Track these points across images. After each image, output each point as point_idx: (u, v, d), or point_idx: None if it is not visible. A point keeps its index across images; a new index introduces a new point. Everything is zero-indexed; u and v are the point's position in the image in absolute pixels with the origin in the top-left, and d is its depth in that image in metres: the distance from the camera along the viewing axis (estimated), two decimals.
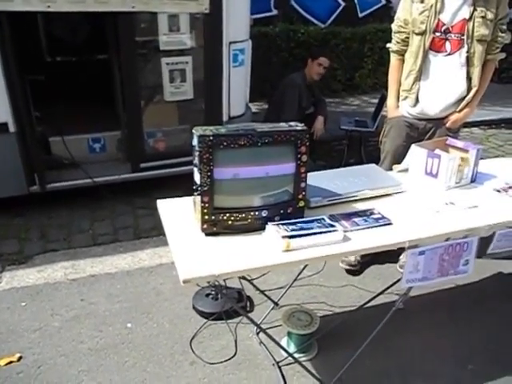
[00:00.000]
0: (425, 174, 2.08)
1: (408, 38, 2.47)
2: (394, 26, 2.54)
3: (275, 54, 6.54)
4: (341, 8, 7.62)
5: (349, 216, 1.76)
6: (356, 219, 1.74)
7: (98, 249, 3.03)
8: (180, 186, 3.88)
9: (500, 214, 1.81)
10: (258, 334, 2.25)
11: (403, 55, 2.53)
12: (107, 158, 3.74)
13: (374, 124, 4.15)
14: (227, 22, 3.35)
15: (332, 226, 1.62)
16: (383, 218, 1.75)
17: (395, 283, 2.20)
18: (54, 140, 3.55)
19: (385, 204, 1.88)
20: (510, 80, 8.03)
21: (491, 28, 2.31)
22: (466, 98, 2.46)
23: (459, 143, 2.20)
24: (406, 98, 2.53)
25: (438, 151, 2.05)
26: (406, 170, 2.21)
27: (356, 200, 1.90)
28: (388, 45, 2.61)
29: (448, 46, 2.36)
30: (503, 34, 2.37)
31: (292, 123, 1.66)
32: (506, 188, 2.04)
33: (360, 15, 7.77)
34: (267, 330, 1.97)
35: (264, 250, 1.53)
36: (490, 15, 2.28)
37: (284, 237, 1.54)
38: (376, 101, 4.68)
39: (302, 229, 1.59)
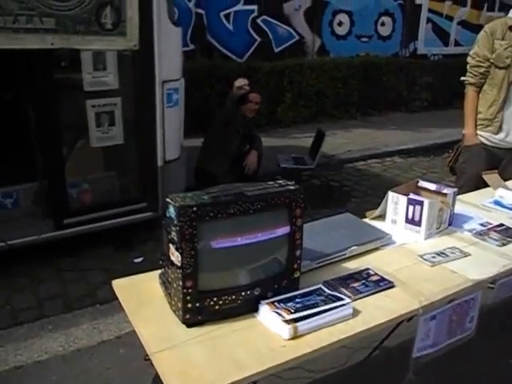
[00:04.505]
0: (405, 221, 1.94)
1: (487, 71, 2.72)
2: (471, 61, 2.78)
3: (197, 90, 6.33)
4: (257, 43, 7.68)
5: (345, 281, 1.54)
6: (355, 285, 1.52)
7: (21, 329, 2.51)
8: (111, 240, 3.47)
9: (494, 262, 1.70)
10: None
11: (480, 87, 2.78)
12: (22, 214, 3.20)
13: (313, 161, 4.07)
14: (159, 59, 3.08)
15: (337, 297, 1.39)
16: (383, 279, 1.55)
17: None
18: None
19: (376, 260, 1.70)
20: (416, 109, 8.58)
21: None
22: None
23: (432, 185, 2.10)
24: (488, 126, 2.76)
25: (418, 197, 1.93)
26: (380, 217, 2.07)
27: (344, 259, 1.70)
28: (463, 78, 2.85)
29: None
30: None
31: (281, 182, 1.42)
32: (486, 231, 1.96)
33: (275, 50, 7.88)
34: None
35: (265, 341, 1.25)
36: None
37: (289, 321, 1.27)
38: (301, 134, 4.65)
39: (304, 306, 1.34)
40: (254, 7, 7.51)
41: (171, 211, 1.25)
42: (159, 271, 1.53)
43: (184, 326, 1.30)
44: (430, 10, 9.28)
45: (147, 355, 1.69)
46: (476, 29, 9.72)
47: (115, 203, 3.29)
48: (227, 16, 7.37)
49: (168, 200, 1.26)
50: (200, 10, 7.10)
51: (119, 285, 1.54)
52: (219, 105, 4.29)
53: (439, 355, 1.60)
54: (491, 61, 2.67)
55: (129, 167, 3.38)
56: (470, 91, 2.81)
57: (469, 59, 2.80)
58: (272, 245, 1.37)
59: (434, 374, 1.89)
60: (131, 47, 2.96)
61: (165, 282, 1.43)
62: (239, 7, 7.42)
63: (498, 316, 2.11)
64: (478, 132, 2.81)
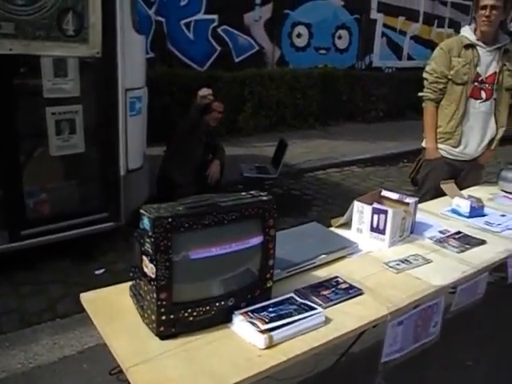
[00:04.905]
0: (370, 230, 2.00)
1: (445, 87, 2.80)
2: (429, 77, 2.86)
3: (157, 98, 6.25)
4: (217, 53, 7.70)
5: (316, 289, 1.57)
6: (325, 292, 1.56)
7: None
8: (71, 251, 3.36)
9: (455, 268, 1.79)
10: None
11: (438, 103, 2.86)
12: None
13: (276, 170, 4.12)
14: (122, 67, 3.03)
15: (309, 306, 1.41)
16: (352, 287, 1.60)
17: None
18: None
19: (344, 268, 1.75)
20: (372, 120, 8.85)
21: None
22: (497, 137, 2.89)
23: (394, 195, 2.18)
24: (449, 139, 2.86)
25: (383, 206, 1.99)
26: (345, 225, 2.12)
27: (313, 267, 1.73)
28: (422, 93, 2.92)
29: (483, 93, 2.78)
30: None
31: (254, 192, 1.44)
32: (445, 238, 2.05)
33: (236, 60, 7.93)
34: None
35: (240, 352, 1.25)
36: None
37: (264, 330, 1.28)
38: (262, 144, 4.68)
39: (278, 315, 1.35)
40: (215, 17, 7.55)
41: (145, 222, 1.23)
42: (129, 283, 1.51)
43: (157, 338, 1.28)
44: (384, 25, 9.64)
45: (112, 370, 1.66)
46: (427, 44, 10.22)
47: (75, 213, 3.20)
48: (187, 25, 7.36)
49: (142, 211, 1.25)
50: (160, 18, 7.06)
51: (88, 298, 1.49)
52: (181, 114, 4.27)
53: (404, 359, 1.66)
54: (449, 77, 2.77)
55: (90, 176, 3.30)
56: (429, 107, 2.88)
57: (426, 75, 2.87)
58: (245, 255, 1.38)
59: (398, 378, 1.94)
60: (94, 54, 2.90)
61: (136, 295, 1.41)
62: (200, 16, 7.43)
63: (457, 319, 2.20)
64: (439, 145, 2.89)
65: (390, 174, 6.19)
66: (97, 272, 3.18)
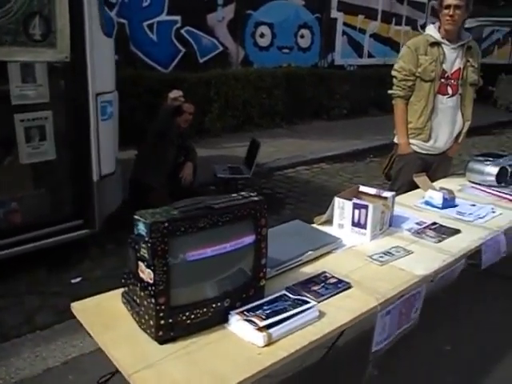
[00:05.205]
0: (352, 225, 2.05)
1: (414, 85, 2.90)
2: (398, 75, 2.94)
3: (123, 101, 6.15)
4: (181, 54, 7.65)
5: (306, 285, 1.61)
6: (315, 288, 1.60)
7: None
8: (45, 260, 3.28)
9: (435, 257, 1.86)
10: None
11: (408, 99, 2.96)
12: None
13: (249, 170, 4.15)
14: (92, 71, 2.98)
15: (303, 301, 1.45)
16: (340, 281, 1.65)
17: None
18: None
19: (330, 263, 1.80)
20: (336, 117, 9.00)
21: (477, 74, 2.95)
22: (463, 131, 3.03)
23: (372, 190, 2.24)
24: (419, 134, 2.95)
25: (363, 201, 2.05)
26: (326, 222, 2.17)
27: (301, 264, 1.77)
28: (391, 91, 3.01)
29: (449, 89, 2.89)
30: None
31: (244, 193, 1.46)
32: (422, 229, 2.14)
33: (200, 61, 7.90)
34: None
35: (240, 351, 1.27)
36: (476, 65, 2.92)
37: (261, 328, 1.31)
38: (231, 144, 4.66)
39: (274, 312, 1.38)
40: (178, 18, 7.49)
41: (141, 228, 1.23)
42: (119, 290, 1.50)
43: (156, 343, 1.29)
44: (344, 24, 9.82)
45: (100, 379, 1.65)
46: (386, 41, 10.49)
47: (49, 222, 3.12)
48: (150, 26, 7.27)
49: (137, 217, 1.25)
50: (122, 20, 6.94)
51: (79, 308, 1.48)
52: (149, 116, 4.22)
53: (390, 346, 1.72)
54: (417, 74, 2.87)
55: (63, 183, 3.22)
56: (399, 104, 2.98)
57: (395, 73, 2.96)
58: (239, 255, 1.40)
59: (388, 365, 2.00)
60: (62, 59, 2.84)
61: (130, 301, 1.41)
62: (162, 17, 7.36)
63: (436, 308, 2.30)
64: (410, 141, 2.99)
65: (358, 169, 6.32)
66: (73, 281, 3.11)
